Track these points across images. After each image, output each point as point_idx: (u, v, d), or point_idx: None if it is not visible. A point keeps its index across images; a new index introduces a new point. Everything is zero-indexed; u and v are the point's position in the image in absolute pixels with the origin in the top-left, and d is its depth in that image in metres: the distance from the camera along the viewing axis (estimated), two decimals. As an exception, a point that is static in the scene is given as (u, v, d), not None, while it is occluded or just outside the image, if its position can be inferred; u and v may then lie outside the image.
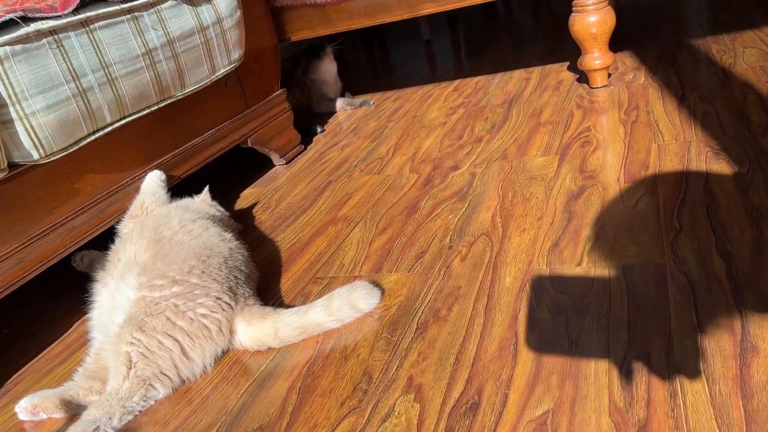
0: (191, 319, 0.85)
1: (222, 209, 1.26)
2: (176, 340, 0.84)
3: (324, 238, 1.21)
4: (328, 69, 2.16)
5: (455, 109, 1.85)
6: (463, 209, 1.18)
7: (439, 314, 0.88)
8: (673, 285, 0.81)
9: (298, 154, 1.78)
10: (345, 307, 0.89)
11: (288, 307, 1.00)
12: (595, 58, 1.64)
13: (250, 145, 1.58)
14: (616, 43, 1.94)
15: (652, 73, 1.69)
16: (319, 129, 1.96)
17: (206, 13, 1.37)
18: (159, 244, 0.98)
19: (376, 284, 0.97)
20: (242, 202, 1.53)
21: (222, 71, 1.45)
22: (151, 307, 0.86)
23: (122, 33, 1.16)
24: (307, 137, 1.93)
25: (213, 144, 1.45)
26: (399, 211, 1.24)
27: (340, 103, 2.17)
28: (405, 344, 0.83)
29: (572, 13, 1.63)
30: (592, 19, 1.59)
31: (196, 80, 1.36)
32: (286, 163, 1.73)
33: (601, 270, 0.89)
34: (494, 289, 0.91)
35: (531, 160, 1.33)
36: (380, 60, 2.97)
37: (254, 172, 1.73)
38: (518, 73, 2.05)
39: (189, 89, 1.35)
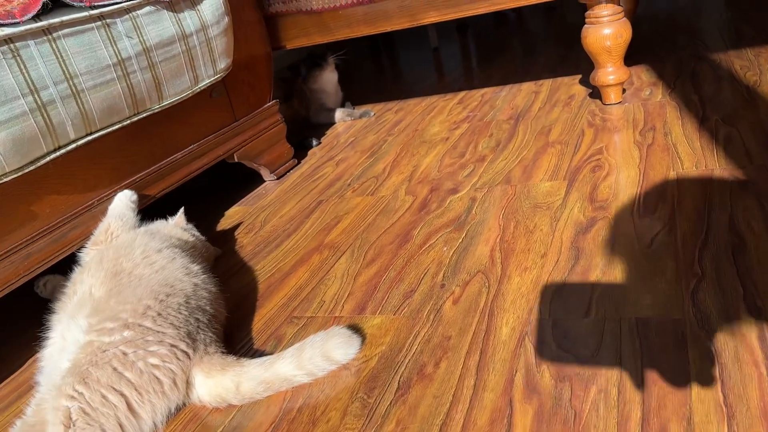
0: (141, 370, 0.75)
1: (197, 233, 1.16)
2: (122, 394, 0.74)
3: (306, 268, 1.11)
4: (328, 79, 2.06)
5: (459, 123, 1.74)
6: (460, 240, 1.07)
7: (425, 371, 0.77)
8: (695, 349, 0.70)
9: (291, 168, 1.68)
10: (318, 358, 0.79)
11: (258, 352, 0.89)
12: (609, 73, 1.53)
13: (237, 160, 1.48)
14: (631, 56, 1.83)
15: (669, 90, 1.58)
16: (314, 142, 1.86)
17: (189, 19, 1.28)
18: (116, 278, 0.88)
19: (356, 330, 0.86)
20: (225, 221, 1.43)
21: (206, 82, 1.35)
22: (98, 354, 0.76)
23: (91, 41, 1.07)
24: (301, 150, 1.83)
25: (194, 160, 1.35)
26: (390, 240, 1.14)
27: (339, 113, 2.07)
28: (383, 408, 0.72)
29: (585, 25, 1.52)
30: (607, 31, 1.48)
31: (176, 92, 1.27)
32: (277, 179, 1.62)
33: (611, 324, 0.77)
34: (489, 342, 0.80)
35: (537, 185, 1.22)
36: (388, 67, 2.87)
37: (243, 187, 1.63)
38: (527, 86, 1.94)
39: (167, 101, 1.25)
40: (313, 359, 0.78)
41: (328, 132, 1.99)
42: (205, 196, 1.65)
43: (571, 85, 1.84)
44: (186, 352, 0.78)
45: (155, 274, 0.88)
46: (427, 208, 1.24)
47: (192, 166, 1.34)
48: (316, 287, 1.03)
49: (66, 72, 1.02)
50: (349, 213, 1.30)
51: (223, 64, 1.40)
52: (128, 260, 0.91)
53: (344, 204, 1.36)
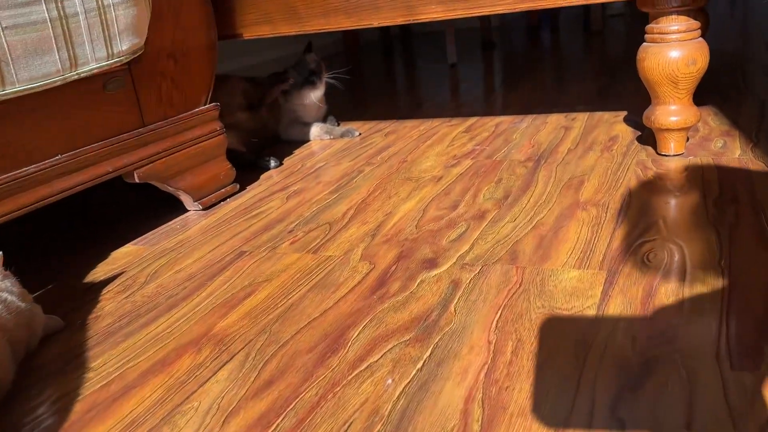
0: None
1: (16, 291, 0.74)
2: None
3: (164, 379, 0.68)
4: (316, 96, 1.64)
5: (460, 158, 1.31)
6: (419, 366, 0.64)
7: None
8: None
9: (228, 197, 1.26)
10: None
11: None
12: (672, 112, 1.09)
13: (138, 180, 1.06)
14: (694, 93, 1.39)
15: (751, 144, 1.14)
16: (273, 163, 1.43)
17: (67, -29, 0.86)
18: None
19: None
20: (103, 268, 1.00)
21: (92, 67, 0.94)
22: None
23: None
24: (255, 172, 1.41)
25: (61, 176, 0.93)
26: (311, 343, 0.70)
27: (316, 129, 1.65)
28: None
29: (644, 43, 1.09)
30: (675, 54, 1.05)
31: (33, 75, 0.85)
32: (204, 210, 1.20)
33: None
34: None
35: (557, 271, 0.78)
36: (398, 78, 2.46)
37: (158, 213, 1.20)
38: (555, 119, 1.51)
39: (14, 88, 0.83)
40: None
41: (297, 151, 1.57)
42: (97, 222, 1.24)
43: (612, 123, 1.40)
44: None
45: None
46: (384, 288, 0.80)
47: (56, 184, 0.92)
48: (161, 426, 0.60)
49: None
50: (271, 280, 0.87)
51: (125, 44, 0.98)
52: None
53: (271, 262, 0.93)
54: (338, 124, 1.75)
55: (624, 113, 1.48)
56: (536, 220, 0.94)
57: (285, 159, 1.50)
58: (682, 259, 0.77)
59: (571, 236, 0.87)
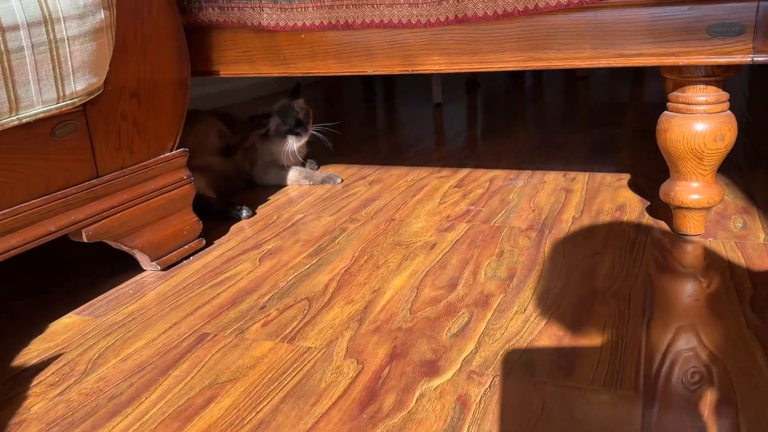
0: None
1: None
2: None
3: None
4: (299, 146, 1.51)
5: (454, 221, 1.19)
6: None
7: None
8: None
9: (191, 254, 1.11)
10: None
11: None
12: (694, 190, 0.99)
13: (87, 239, 0.91)
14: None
15: (775, 226, 1.04)
16: (245, 212, 1.29)
17: (16, 1, 0.72)
18: None
19: None
20: (38, 345, 0.84)
21: (38, 111, 0.79)
22: None
23: None
24: (224, 223, 1.26)
25: (-10, 240, 0.77)
26: (288, 482, 0.56)
27: (294, 174, 1.51)
28: None
29: (667, 112, 0.99)
30: (702, 128, 0.95)
31: (-41, 121, 0.70)
32: (162, 270, 1.05)
33: None
34: None
35: (585, 393, 0.65)
36: (380, 118, 2.34)
37: (107, 272, 1.05)
38: (554, 178, 1.40)
39: (-68, 136, 0.68)
40: None
41: (273, 198, 1.43)
42: (37, 281, 1.07)
43: (616, 188, 1.30)
44: None
45: None
46: (376, 403, 0.67)
47: (-18, 250, 0.76)
48: None
49: None
50: (237, 379, 0.73)
51: (80, 84, 0.84)
52: None
53: (238, 352, 0.78)
54: (318, 168, 1.61)
55: (626, 176, 1.38)
56: (550, 313, 0.82)
57: (259, 207, 1.36)
58: (728, 386, 0.65)
59: (594, 340, 0.75)
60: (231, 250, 1.12)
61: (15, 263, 1.15)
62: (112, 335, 0.85)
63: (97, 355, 0.80)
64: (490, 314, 0.83)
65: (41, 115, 0.80)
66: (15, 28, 0.74)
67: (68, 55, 0.80)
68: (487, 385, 0.68)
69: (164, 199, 1.03)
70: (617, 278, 0.90)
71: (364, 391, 0.68)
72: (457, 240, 1.09)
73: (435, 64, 1.02)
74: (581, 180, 1.38)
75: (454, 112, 2.30)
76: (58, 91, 0.81)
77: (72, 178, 0.88)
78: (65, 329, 0.88)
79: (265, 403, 0.68)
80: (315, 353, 0.77)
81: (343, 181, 1.51)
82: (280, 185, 1.52)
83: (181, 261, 1.08)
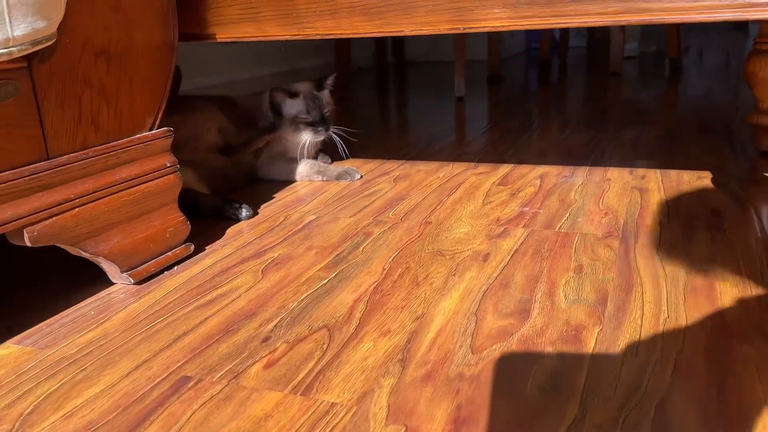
0: None
1: None
2: None
3: None
4: (314, 143, 1.28)
5: (507, 224, 0.94)
6: None
7: None
8: None
9: (176, 263, 0.87)
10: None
11: None
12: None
13: (30, 243, 0.67)
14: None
15: None
16: (245, 212, 1.05)
17: None
18: None
19: None
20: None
21: (-53, 56, 0.55)
22: None
23: None
24: (220, 223, 1.03)
25: None
26: None
27: (304, 167, 1.27)
28: None
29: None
30: None
31: None
32: (136, 284, 0.81)
33: None
34: None
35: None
36: (395, 109, 2.10)
37: (67, 283, 0.81)
38: (618, 175, 1.16)
39: None
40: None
41: (279, 195, 1.19)
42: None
43: (700, 189, 1.06)
44: None
45: None
46: (443, 503, 0.42)
47: None
48: None
49: None
50: (230, 456, 0.49)
51: (21, 28, 0.60)
52: None
53: (230, 410, 0.54)
54: (331, 163, 1.38)
55: (707, 174, 1.14)
56: (674, 358, 0.57)
57: (262, 206, 1.12)
58: None
59: (753, 407, 0.51)
60: (226, 258, 0.88)
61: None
62: (58, 376, 0.61)
63: (30, 408, 0.56)
64: (588, 357, 0.59)
65: (-45, 64, 0.56)
66: None
67: (-3, -19, 0.57)
68: (616, 479, 0.44)
69: (140, 192, 0.79)
70: (750, 306, 0.66)
71: (424, 485, 0.44)
72: (516, 249, 0.85)
73: (495, 19, 0.78)
74: (653, 178, 1.13)
75: (478, 106, 2.06)
76: (-19, 32, 0.57)
77: (9, 158, 0.64)
78: (-7, 366, 0.64)
79: (269, 503, 0.44)
80: (342, 413, 0.53)
81: (362, 177, 1.27)
82: (288, 180, 1.28)
83: (161, 272, 0.84)
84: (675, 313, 0.66)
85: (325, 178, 1.26)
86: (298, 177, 1.28)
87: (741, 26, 4.21)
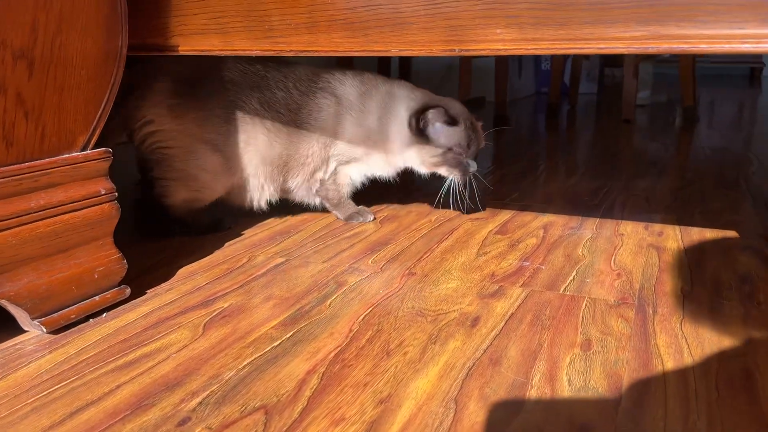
0: None
1: None
2: None
3: None
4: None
5: (503, 281, 0.81)
6: None
7: None
8: None
9: (104, 309, 0.73)
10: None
11: None
12: None
13: None
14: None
15: None
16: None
17: None
18: None
19: None
20: None
21: None
22: None
23: None
24: (172, 263, 0.89)
25: None
26: None
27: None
28: None
29: None
30: None
31: None
32: (51, 333, 0.67)
33: None
34: None
35: None
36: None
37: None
38: (633, 229, 1.03)
39: None
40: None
41: (248, 232, 1.05)
42: None
43: (726, 250, 0.92)
44: None
45: None
46: None
47: None
48: None
49: None
50: None
51: None
52: None
53: None
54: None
55: (732, 234, 1.00)
56: (714, 484, 0.43)
57: (225, 244, 0.99)
58: None
59: None
60: (167, 306, 0.74)
61: None
62: None
63: None
64: (597, 473, 0.44)
65: None
66: None
67: None
68: None
69: (62, 223, 0.66)
70: (805, 409, 0.52)
71: None
72: (512, 314, 0.71)
73: (498, 41, 0.66)
74: (672, 235, 1.00)
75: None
76: None
77: None
78: None
79: None
80: None
81: (375, 218, 1.13)
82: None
83: (87, 319, 0.70)
84: (707, 413, 0.51)
85: (341, 216, 1.12)
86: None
87: (753, 81, 4.14)
